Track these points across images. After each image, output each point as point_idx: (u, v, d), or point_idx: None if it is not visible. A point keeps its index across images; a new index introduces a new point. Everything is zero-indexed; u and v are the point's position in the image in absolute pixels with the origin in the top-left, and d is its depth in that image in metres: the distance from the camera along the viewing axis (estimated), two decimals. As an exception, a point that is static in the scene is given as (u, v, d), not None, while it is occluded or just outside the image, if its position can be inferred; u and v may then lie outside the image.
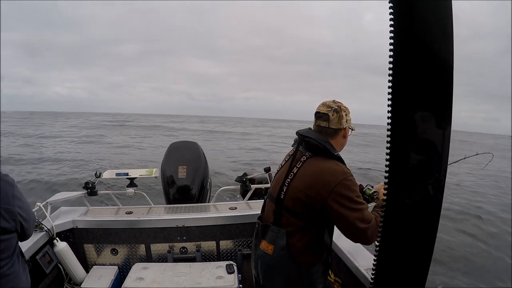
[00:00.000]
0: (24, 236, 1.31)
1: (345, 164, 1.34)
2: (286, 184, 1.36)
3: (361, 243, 1.38)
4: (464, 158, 1.89)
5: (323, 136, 1.37)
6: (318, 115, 1.39)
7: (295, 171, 1.36)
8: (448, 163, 0.64)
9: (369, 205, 1.63)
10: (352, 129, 1.44)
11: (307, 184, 1.30)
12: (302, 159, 1.37)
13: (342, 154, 1.39)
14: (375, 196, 1.54)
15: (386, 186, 0.64)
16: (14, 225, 1.21)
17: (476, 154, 1.95)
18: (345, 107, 1.40)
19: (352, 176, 1.29)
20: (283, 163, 1.49)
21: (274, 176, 1.51)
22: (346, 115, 1.39)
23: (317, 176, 1.29)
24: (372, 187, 1.57)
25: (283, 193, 1.37)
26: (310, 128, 1.44)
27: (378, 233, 1.29)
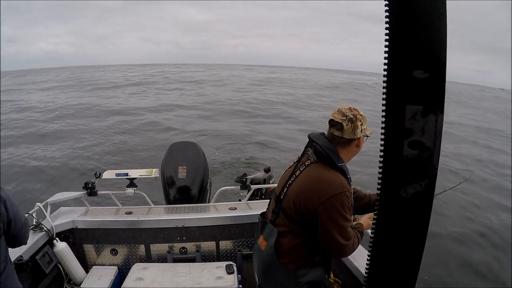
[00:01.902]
0: (12, 241, 1.27)
1: (346, 177, 1.32)
2: (287, 186, 1.38)
3: (336, 257, 1.43)
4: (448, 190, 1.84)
5: (332, 144, 1.34)
6: (332, 123, 1.35)
7: (297, 174, 1.37)
8: (436, 194, 0.67)
9: None
10: (368, 136, 1.39)
11: (304, 189, 1.32)
12: (306, 163, 1.36)
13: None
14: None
15: (375, 217, 0.65)
16: (2, 226, 1.17)
17: (459, 184, 1.95)
18: (361, 115, 1.34)
19: (349, 191, 1.29)
20: (291, 164, 1.49)
21: (282, 174, 1.52)
22: (361, 124, 1.33)
23: (315, 183, 1.30)
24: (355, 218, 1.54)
25: (283, 193, 1.39)
26: (322, 133, 1.41)
27: (352, 251, 1.32)
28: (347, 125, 1.31)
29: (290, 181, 1.38)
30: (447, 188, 1.81)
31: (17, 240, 1.29)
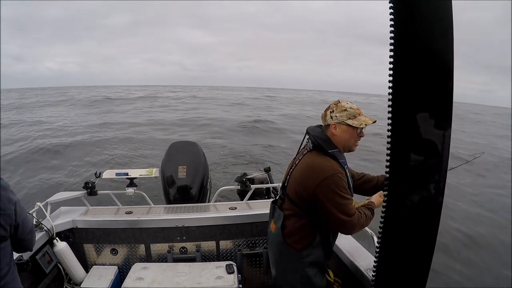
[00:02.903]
0: (19, 246, 1.27)
1: (338, 162, 1.42)
2: (289, 174, 1.54)
3: (342, 233, 1.53)
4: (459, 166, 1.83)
5: (324, 133, 1.47)
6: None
7: (297, 163, 1.52)
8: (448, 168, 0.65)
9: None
10: (354, 126, 1.42)
11: (301, 176, 1.45)
12: (304, 152, 1.51)
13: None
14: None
15: (385, 193, 0.64)
16: (9, 229, 1.17)
17: (470, 160, 1.90)
18: (335, 105, 1.46)
19: (341, 172, 1.39)
20: (296, 155, 1.62)
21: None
22: (331, 112, 1.45)
23: (309, 169, 1.43)
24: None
25: (287, 181, 1.55)
26: (319, 125, 1.54)
27: (360, 227, 1.37)
28: (324, 113, 1.49)
29: (291, 169, 1.53)
30: (456, 165, 1.81)
31: (24, 244, 1.30)
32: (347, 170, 1.45)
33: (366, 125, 1.43)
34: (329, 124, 1.45)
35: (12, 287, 1.21)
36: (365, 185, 1.67)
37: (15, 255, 1.70)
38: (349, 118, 1.43)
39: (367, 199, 1.59)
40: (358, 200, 1.59)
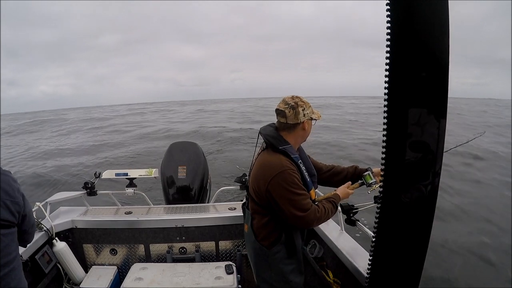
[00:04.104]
0: (21, 238, 1.31)
1: (289, 158, 1.43)
2: (249, 174, 1.58)
3: (300, 227, 1.55)
4: (456, 146, 1.84)
5: (276, 131, 1.49)
6: (277, 111, 1.49)
7: (253, 162, 1.55)
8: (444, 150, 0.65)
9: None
10: (315, 119, 1.51)
11: (255, 175, 1.49)
12: (259, 151, 1.54)
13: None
14: (372, 184, 1.58)
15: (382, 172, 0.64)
16: (18, 217, 1.24)
17: (471, 139, 1.93)
18: (302, 102, 1.47)
19: (290, 169, 1.39)
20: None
21: None
22: (303, 110, 1.46)
23: (261, 168, 1.46)
24: (372, 172, 1.61)
25: (248, 181, 1.59)
26: (271, 123, 1.55)
27: (318, 221, 1.38)
28: (289, 111, 1.45)
29: (250, 170, 1.57)
30: (458, 144, 1.81)
31: (25, 237, 1.35)
32: (300, 165, 1.46)
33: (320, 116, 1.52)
34: (301, 122, 1.46)
35: (18, 273, 1.24)
36: (334, 178, 1.69)
37: None
38: (313, 113, 1.50)
39: (333, 191, 1.59)
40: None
